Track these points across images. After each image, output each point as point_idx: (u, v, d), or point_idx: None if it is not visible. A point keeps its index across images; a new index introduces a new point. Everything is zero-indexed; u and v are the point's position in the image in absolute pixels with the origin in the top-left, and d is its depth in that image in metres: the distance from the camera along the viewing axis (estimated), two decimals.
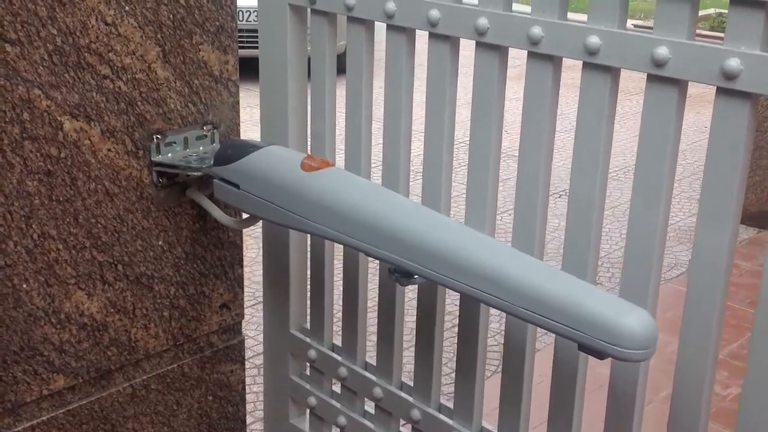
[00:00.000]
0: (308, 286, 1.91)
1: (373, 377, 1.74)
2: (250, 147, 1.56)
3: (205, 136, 1.69)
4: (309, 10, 1.72)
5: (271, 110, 1.84)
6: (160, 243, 1.68)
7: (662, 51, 1.18)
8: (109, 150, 1.55)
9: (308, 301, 1.93)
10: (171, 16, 1.58)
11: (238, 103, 1.74)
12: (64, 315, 1.57)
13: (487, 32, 1.38)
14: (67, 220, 1.53)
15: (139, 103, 1.57)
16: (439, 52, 1.49)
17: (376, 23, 1.62)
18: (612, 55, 1.24)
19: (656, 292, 1.31)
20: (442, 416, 1.67)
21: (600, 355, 1.17)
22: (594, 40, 1.24)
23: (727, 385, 2.92)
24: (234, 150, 1.56)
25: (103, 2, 1.47)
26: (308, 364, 1.87)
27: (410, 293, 1.74)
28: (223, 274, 1.82)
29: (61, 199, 1.51)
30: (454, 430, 1.64)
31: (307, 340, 1.85)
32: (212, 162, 1.61)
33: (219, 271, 1.81)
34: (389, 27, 1.56)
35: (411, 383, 1.73)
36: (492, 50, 1.41)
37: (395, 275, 1.36)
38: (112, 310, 1.64)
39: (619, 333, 1.13)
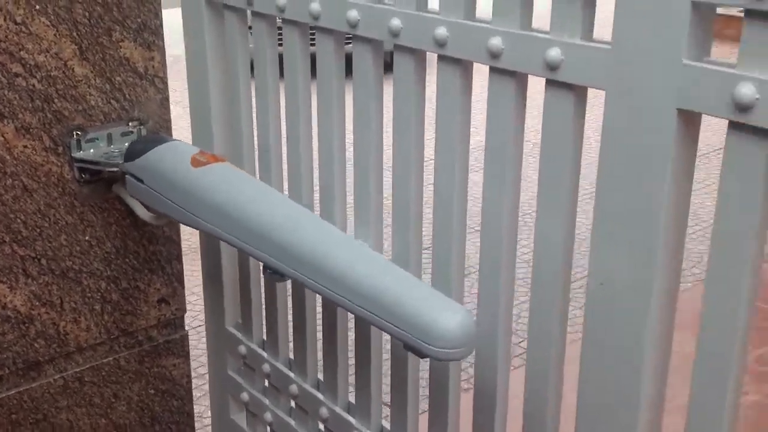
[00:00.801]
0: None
1: (292, 374, 1.69)
2: (153, 142, 1.53)
3: (131, 132, 1.66)
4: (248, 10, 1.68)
5: (196, 114, 1.81)
6: (86, 238, 1.66)
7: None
8: (25, 146, 1.54)
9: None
10: (86, 13, 1.55)
11: (167, 99, 1.71)
12: None
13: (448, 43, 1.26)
14: None
15: (55, 100, 1.56)
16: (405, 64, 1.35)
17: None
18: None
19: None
20: (346, 415, 1.61)
21: (420, 353, 1.10)
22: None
23: (746, 392, 2.77)
24: (141, 145, 1.54)
25: (11, 2, 1.46)
26: (242, 360, 1.83)
27: None
28: (160, 269, 1.79)
29: (8, 187, 1.51)
30: (354, 429, 1.58)
31: (239, 336, 1.81)
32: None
33: (155, 266, 1.78)
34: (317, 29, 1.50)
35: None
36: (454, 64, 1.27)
37: (269, 272, 1.31)
38: (37, 303, 1.63)
39: (433, 332, 1.06)
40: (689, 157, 1.01)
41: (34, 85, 1.52)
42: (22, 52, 1.49)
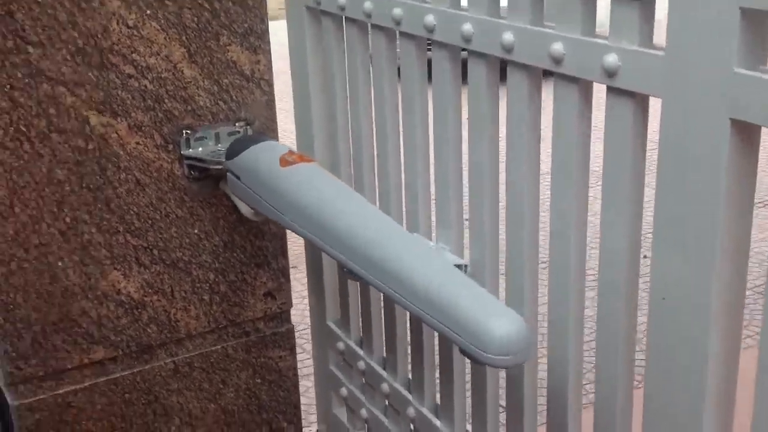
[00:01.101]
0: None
1: (384, 373, 1.69)
2: (251, 141, 1.58)
3: (238, 132, 1.73)
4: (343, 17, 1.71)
5: (299, 119, 1.86)
6: (195, 231, 1.74)
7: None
8: (137, 143, 1.64)
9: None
10: (195, 18, 1.64)
11: (272, 101, 1.77)
12: (101, 292, 1.68)
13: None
14: (99, 206, 1.63)
15: (166, 101, 1.65)
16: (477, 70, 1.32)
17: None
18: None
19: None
20: (432, 417, 1.59)
21: (474, 359, 1.06)
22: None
23: None
24: (241, 144, 1.59)
25: (123, 7, 1.56)
26: (341, 356, 1.85)
27: None
28: (266, 264, 1.85)
29: (91, 187, 1.62)
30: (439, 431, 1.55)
31: (338, 332, 1.83)
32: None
33: (261, 260, 1.84)
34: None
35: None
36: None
37: (344, 270, 1.32)
38: (149, 290, 1.73)
39: (486, 338, 1.02)
40: (747, 169, 0.93)
41: (145, 86, 1.62)
42: (134, 55, 1.60)
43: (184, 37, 1.63)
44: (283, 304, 1.89)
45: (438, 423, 1.54)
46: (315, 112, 1.81)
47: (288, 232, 1.88)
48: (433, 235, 1.52)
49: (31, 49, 1.50)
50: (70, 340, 1.66)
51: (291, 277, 1.91)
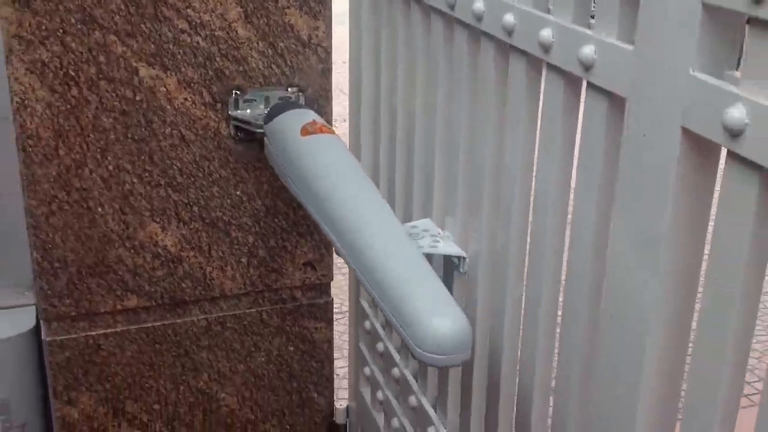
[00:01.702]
0: None
1: (398, 357, 1.60)
2: (287, 107, 1.52)
3: (290, 97, 1.68)
4: None
5: (352, 103, 1.79)
6: (238, 193, 1.71)
7: None
8: (185, 99, 1.61)
9: None
10: None
11: (329, 69, 1.70)
12: (138, 242, 1.67)
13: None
14: (143, 157, 1.62)
15: (218, 59, 1.61)
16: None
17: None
18: None
19: None
20: (429, 408, 1.50)
21: (412, 354, 0.98)
22: None
23: None
24: (278, 109, 1.53)
25: None
26: (368, 335, 1.78)
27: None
28: (308, 234, 1.80)
29: (136, 138, 1.60)
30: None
31: (368, 310, 1.76)
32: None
33: (303, 230, 1.79)
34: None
35: None
36: None
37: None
38: (186, 246, 1.71)
39: (420, 334, 0.93)
40: (701, 186, 0.80)
41: (198, 43, 1.59)
42: (188, 10, 1.56)
43: None
44: (323, 276, 1.84)
45: (433, 415, 1.45)
46: (365, 100, 1.74)
47: None
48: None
49: None
50: (104, 284, 1.67)
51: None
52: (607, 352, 0.94)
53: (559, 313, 1.09)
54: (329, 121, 1.71)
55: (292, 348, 1.87)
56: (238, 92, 1.63)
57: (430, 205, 1.44)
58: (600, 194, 0.96)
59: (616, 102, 0.90)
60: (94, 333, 1.70)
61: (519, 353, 1.19)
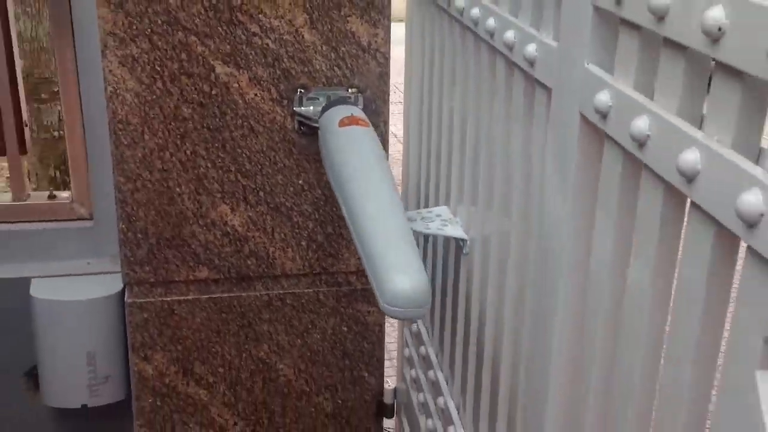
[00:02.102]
0: None
1: (428, 338, 1.72)
2: (338, 103, 1.67)
3: (349, 97, 1.83)
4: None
5: (408, 111, 1.92)
6: (300, 182, 1.88)
7: None
8: (255, 95, 1.79)
9: None
10: None
11: (387, 73, 1.84)
12: (210, 220, 1.86)
13: None
14: (216, 145, 1.81)
15: (285, 60, 1.78)
16: None
17: None
18: None
19: None
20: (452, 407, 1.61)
21: (379, 306, 1.11)
22: None
23: None
24: (329, 104, 1.69)
25: None
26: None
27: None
28: None
29: (211, 127, 1.80)
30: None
31: None
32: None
33: None
34: None
35: None
36: None
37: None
38: (252, 227, 1.89)
39: (384, 287, 1.06)
40: (595, 174, 0.89)
41: (268, 45, 1.77)
42: (260, 15, 1.74)
43: (308, 5, 1.76)
44: None
45: (445, 388, 1.57)
46: (413, 107, 1.88)
47: None
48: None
49: (170, 2, 1.70)
50: (179, 256, 1.87)
51: None
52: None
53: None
54: (386, 121, 1.86)
55: (345, 328, 2.02)
56: (302, 90, 1.80)
57: (449, 194, 1.57)
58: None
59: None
60: (169, 299, 1.90)
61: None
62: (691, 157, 0.68)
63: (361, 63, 1.82)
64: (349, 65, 1.81)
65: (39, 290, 1.95)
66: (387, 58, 1.83)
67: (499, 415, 1.31)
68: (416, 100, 1.89)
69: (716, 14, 0.63)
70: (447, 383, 1.63)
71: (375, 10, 1.79)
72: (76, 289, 1.96)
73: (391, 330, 2.68)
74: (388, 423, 2.13)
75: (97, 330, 1.96)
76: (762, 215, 0.60)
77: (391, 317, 1.13)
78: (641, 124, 0.74)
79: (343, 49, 1.79)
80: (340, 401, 2.06)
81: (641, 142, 0.75)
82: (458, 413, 1.58)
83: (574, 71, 0.87)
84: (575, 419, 0.99)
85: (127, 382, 2.00)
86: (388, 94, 1.87)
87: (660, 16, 0.71)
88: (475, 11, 1.27)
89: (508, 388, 1.29)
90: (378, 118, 1.84)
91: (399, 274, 1.11)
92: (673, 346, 0.76)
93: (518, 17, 1.09)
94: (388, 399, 2.07)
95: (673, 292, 0.79)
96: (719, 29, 0.63)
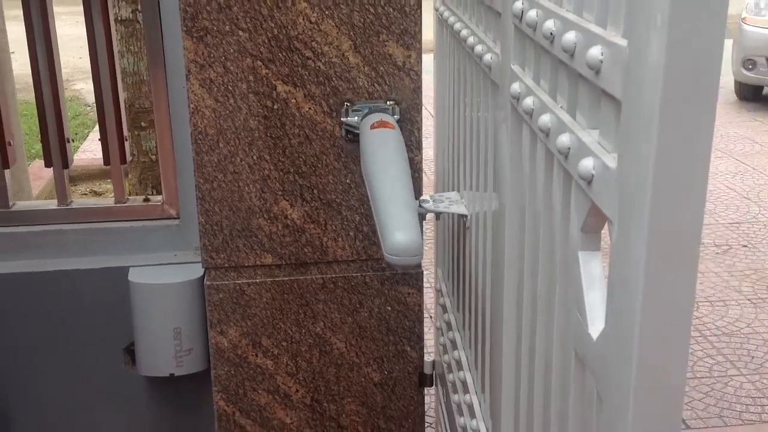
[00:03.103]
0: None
1: (455, 321, 1.99)
2: (372, 110, 1.98)
3: (388, 109, 2.14)
4: None
5: (437, 121, 2.21)
6: (347, 181, 2.18)
7: None
8: (309, 108, 2.12)
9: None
10: (362, 20, 2.07)
11: (419, 88, 2.14)
12: (273, 214, 2.18)
13: None
14: (278, 151, 2.14)
15: (333, 79, 2.10)
16: None
17: None
18: None
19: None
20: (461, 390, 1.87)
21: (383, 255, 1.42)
22: None
23: None
24: (367, 113, 2.00)
25: (308, 7, 2.04)
26: (443, 309, 2.19)
27: None
28: None
29: (273, 136, 2.13)
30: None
31: (443, 283, 2.16)
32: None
33: None
34: None
35: None
36: None
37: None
38: (308, 220, 2.20)
39: (386, 241, 1.35)
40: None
41: (319, 67, 2.09)
42: (313, 43, 2.07)
43: (352, 33, 2.08)
44: None
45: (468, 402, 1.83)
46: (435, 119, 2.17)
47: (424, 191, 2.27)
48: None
49: (240, 33, 2.04)
50: (248, 245, 2.20)
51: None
52: None
53: None
54: (419, 128, 2.16)
55: (389, 308, 2.31)
56: (348, 104, 2.12)
57: (457, 182, 1.86)
58: None
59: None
60: (240, 281, 2.23)
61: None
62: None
63: (397, 80, 2.12)
64: (387, 82, 2.12)
65: (135, 276, 2.31)
66: (419, 75, 2.14)
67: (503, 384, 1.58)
68: (441, 116, 2.18)
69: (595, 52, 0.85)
70: (467, 360, 1.90)
71: (408, 35, 2.10)
72: (166, 275, 2.31)
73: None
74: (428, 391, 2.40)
75: (182, 309, 2.30)
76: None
77: (392, 265, 1.43)
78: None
79: (381, 68, 2.11)
80: (386, 372, 2.34)
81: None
82: (473, 386, 1.85)
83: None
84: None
85: (206, 354, 2.33)
86: (421, 106, 2.17)
87: (570, 54, 0.94)
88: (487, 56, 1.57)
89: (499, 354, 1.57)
90: (413, 126, 2.14)
91: (397, 231, 1.41)
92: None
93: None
94: (427, 370, 2.34)
95: None
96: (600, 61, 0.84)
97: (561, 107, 0.92)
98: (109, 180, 5.05)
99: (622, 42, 0.69)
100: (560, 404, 1.04)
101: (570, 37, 0.81)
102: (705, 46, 0.61)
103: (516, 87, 1.09)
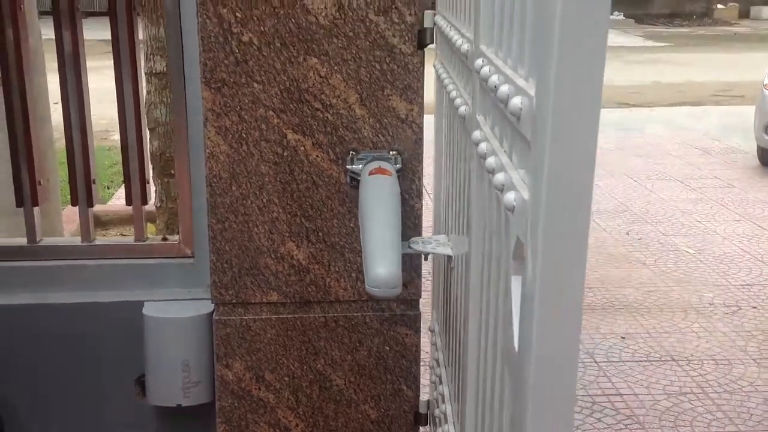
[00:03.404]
0: None
1: (442, 357, 2.09)
2: (374, 159, 2.12)
3: (390, 158, 2.27)
4: None
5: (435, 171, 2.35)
6: (351, 225, 2.31)
7: None
8: (317, 156, 2.26)
9: None
10: (368, 75, 2.22)
11: (421, 139, 2.27)
12: (280, 254, 2.31)
13: None
14: (286, 195, 2.28)
15: (340, 129, 2.25)
16: None
17: None
18: None
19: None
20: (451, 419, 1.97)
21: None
22: None
23: None
24: (368, 160, 2.14)
25: (318, 63, 2.20)
26: (435, 345, 2.29)
27: None
28: (403, 261, 2.34)
29: (282, 181, 2.27)
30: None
31: (435, 327, 2.26)
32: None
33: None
34: None
35: None
36: None
37: None
38: (313, 260, 2.33)
39: (368, 274, 1.47)
40: None
41: (327, 118, 2.24)
42: (322, 95, 2.23)
43: (358, 87, 2.23)
44: (412, 293, 2.38)
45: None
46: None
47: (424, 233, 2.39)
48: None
49: (255, 85, 2.20)
50: (255, 282, 2.33)
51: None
52: None
53: None
54: (420, 177, 2.29)
55: (387, 348, 2.41)
56: (353, 152, 2.26)
57: (447, 226, 1.97)
58: None
59: None
60: (246, 317, 2.35)
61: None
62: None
63: (400, 131, 2.26)
64: (390, 133, 2.26)
65: (150, 310, 2.44)
66: (421, 128, 2.27)
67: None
68: (438, 165, 2.31)
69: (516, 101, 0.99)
70: (449, 393, 2.00)
71: (411, 90, 2.24)
72: (178, 309, 2.44)
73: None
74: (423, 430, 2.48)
75: (192, 342, 2.42)
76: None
77: (373, 296, 1.54)
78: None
79: (385, 120, 2.25)
80: (383, 410, 2.43)
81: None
82: (451, 417, 1.94)
83: None
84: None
85: (212, 386, 2.44)
86: (422, 156, 2.30)
87: (504, 104, 1.07)
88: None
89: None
90: (414, 175, 2.27)
91: (378, 266, 1.53)
92: None
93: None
94: (422, 409, 2.43)
95: None
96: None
97: (504, 151, 1.04)
98: None
99: (532, 92, 0.82)
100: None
101: (504, 89, 0.94)
102: (585, 95, 0.74)
103: (477, 134, 1.22)
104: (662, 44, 21.29)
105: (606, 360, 3.94)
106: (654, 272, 5.21)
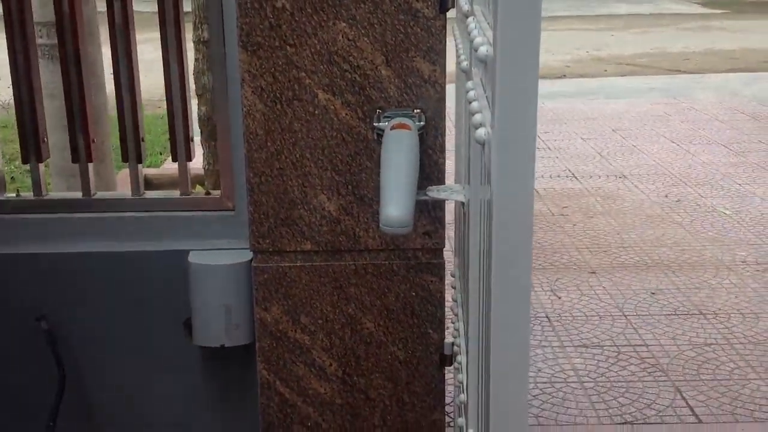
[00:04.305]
0: None
1: (457, 298, 2.24)
2: (395, 116, 2.27)
3: (414, 116, 2.42)
4: None
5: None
6: (378, 179, 2.47)
7: None
8: (346, 114, 2.41)
9: None
10: (393, 38, 2.36)
11: (443, 98, 2.41)
12: (312, 206, 2.48)
13: None
14: (318, 150, 2.44)
15: (367, 89, 2.39)
16: None
17: None
18: None
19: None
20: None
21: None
22: None
23: None
24: (392, 117, 2.29)
25: (347, 27, 2.35)
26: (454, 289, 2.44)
27: None
28: (427, 211, 2.50)
29: (314, 137, 2.43)
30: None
31: (454, 269, 2.41)
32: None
33: (423, 208, 2.50)
34: None
35: None
36: None
37: None
38: (343, 212, 2.49)
39: (383, 213, 1.63)
40: None
41: (355, 79, 2.39)
42: (350, 57, 2.38)
43: (384, 50, 2.37)
44: (436, 243, 2.53)
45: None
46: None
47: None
48: None
49: (288, 48, 2.36)
50: (290, 233, 2.51)
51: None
52: None
53: None
54: (442, 133, 2.43)
55: (413, 293, 2.57)
56: (380, 111, 2.41)
57: (462, 176, 2.12)
58: None
59: None
60: (282, 264, 2.53)
61: None
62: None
63: (423, 91, 2.41)
64: (414, 92, 2.41)
65: (195, 258, 2.64)
66: (443, 87, 2.41)
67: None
68: (458, 124, 2.45)
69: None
70: (462, 330, 2.16)
71: (434, 52, 2.38)
72: (220, 258, 2.64)
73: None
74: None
75: (233, 288, 2.62)
76: None
77: (385, 233, 1.71)
78: None
79: (410, 80, 2.40)
80: (410, 351, 2.60)
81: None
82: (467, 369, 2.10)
83: None
84: None
85: (252, 329, 2.64)
86: (444, 114, 2.44)
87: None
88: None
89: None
90: (437, 131, 2.42)
91: (389, 206, 1.69)
92: None
93: None
94: (447, 350, 2.60)
95: None
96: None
97: (486, 97, 1.21)
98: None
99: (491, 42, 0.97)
100: None
101: (478, 40, 1.09)
102: (522, 124, 0.91)
103: (469, 84, 1.37)
104: (719, 11, 20.84)
105: (635, 314, 4.05)
106: (689, 231, 5.27)
